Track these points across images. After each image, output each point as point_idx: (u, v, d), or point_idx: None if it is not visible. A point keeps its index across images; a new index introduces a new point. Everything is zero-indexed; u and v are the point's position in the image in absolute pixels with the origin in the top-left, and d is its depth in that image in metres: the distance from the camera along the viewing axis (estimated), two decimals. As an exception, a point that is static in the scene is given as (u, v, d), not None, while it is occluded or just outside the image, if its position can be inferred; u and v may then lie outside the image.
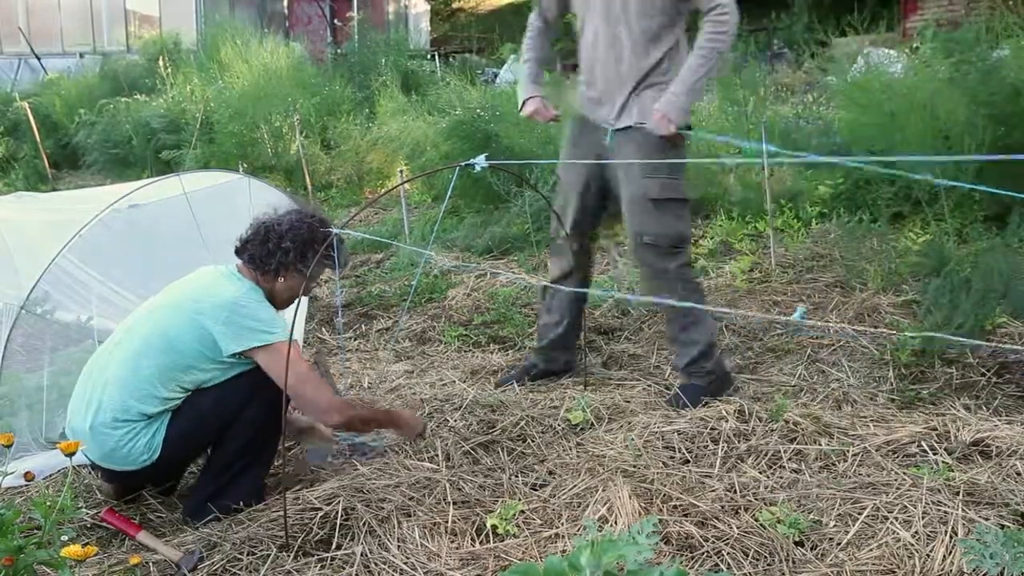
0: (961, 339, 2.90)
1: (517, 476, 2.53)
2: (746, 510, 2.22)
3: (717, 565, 2.02)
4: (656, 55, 2.91)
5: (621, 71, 2.92)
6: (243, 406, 2.46)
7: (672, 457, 2.55)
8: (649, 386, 3.23)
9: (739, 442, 2.59)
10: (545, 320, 3.33)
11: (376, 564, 2.13)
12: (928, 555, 1.98)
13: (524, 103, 3.09)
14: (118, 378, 2.41)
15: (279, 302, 2.60)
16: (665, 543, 2.10)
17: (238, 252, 2.59)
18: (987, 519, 2.07)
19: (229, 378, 2.46)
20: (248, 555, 2.19)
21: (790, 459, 2.49)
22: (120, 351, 2.46)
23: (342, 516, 2.30)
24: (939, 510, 2.12)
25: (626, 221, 2.98)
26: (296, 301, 2.50)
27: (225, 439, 2.48)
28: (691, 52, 2.85)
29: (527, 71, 3.15)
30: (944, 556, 1.97)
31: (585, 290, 3.22)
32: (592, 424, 2.81)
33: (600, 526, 2.18)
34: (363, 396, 3.34)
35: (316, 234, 2.55)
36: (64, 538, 1.71)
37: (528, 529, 2.24)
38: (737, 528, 2.13)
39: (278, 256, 2.52)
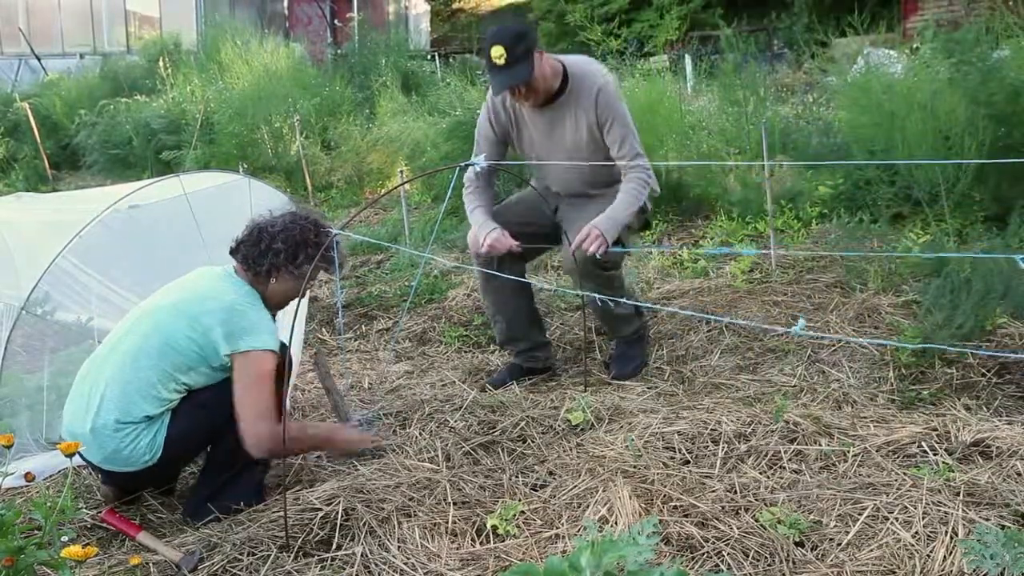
0: (951, 347, 2.90)
1: (517, 476, 2.53)
2: (746, 511, 2.22)
3: (717, 566, 2.01)
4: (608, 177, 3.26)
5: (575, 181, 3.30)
6: None
7: (672, 458, 2.55)
8: (649, 387, 3.23)
9: (739, 443, 2.59)
10: (509, 343, 3.45)
11: (376, 564, 2.13)
12: (928, 555, 1.98)
13: (485, 237, 3.13)
14: (118, 379, 2.40)
15: (273, 304, 2.60)
16: (665, 543, 2.10)
17: (232, 252, 2.60)
18: (987, 519, 2.06)
19: (226, 377, 2.47)
20: (248, 555, 2.19)
21: (790, 459, 2.49)
22: (118, 353, 2.46)
23: (342, 516, 2.30)
24: (939, 510, 2.12)
25: (576, 241, 3.11)
26: (297, 303, 2.49)
27: (224, 438, 2.48)
28: (623, 189, 3.13)
29: (479, 216, 3.21)
30: (944, 557, 1.97)
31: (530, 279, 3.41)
32: (592, 425, 2.81)
33: (600, 526, 2.18)
34: (363, 397, 3.34)
35: (308, 236, 2.55)
36: (64, 539, 1.71)
37: (528, 529, 2.24)
38: (737, 529, 2.13)
39: (269, 257, 2.53)
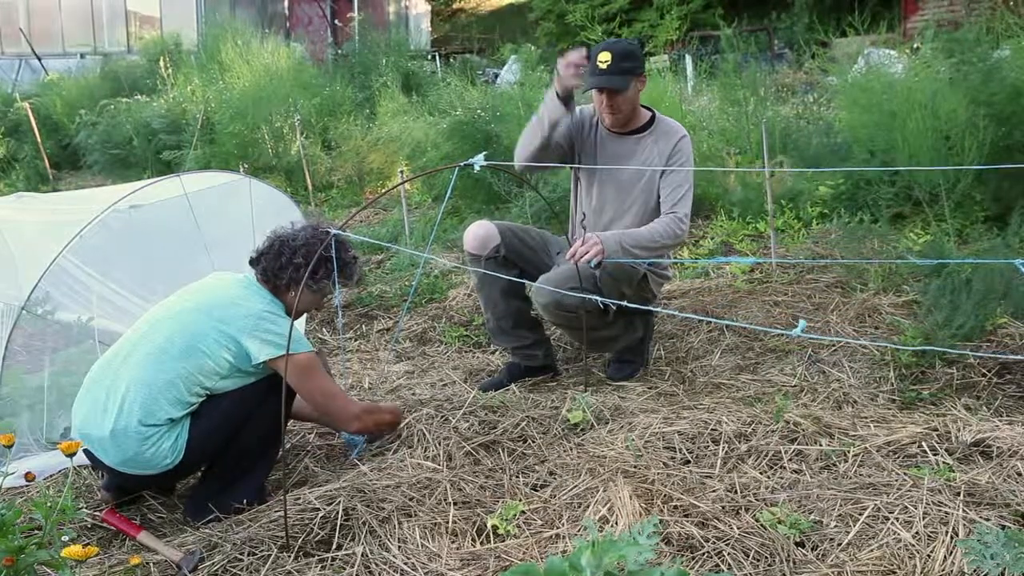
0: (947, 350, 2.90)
1: (518, 476, 2.53)
2: (747, 510, 2.22)
3: (718, 566, 2.01)
4: None
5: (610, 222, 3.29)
6: (257, 408, 2.48)
7: (673, 457, 2.55)
8: (650, 387, 3.23)
9: (740, 442, 2.59)
10: (506, 337, 3.40)
11: (377, 564, 2.13)
12: (929, 556, 1.98)
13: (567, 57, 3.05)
14: (142, 381, 2.40)
15: (291, 314, 2.61)
16: (666, 543, 2.10)
17: (252, 263, 2.62)
18: (988, 519, 2.06)
19: (246, 382, 2.49)
20: (249, 555, 2.19)
21: (791, 459, 2.49)
22: (139, 355, 2.45)
23: (343, 516, 2.30)
24: (940, 511, 2.12)
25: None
26: (295, 305, 2.51)
27: (235, 441, 2.49)
28: (656, 221, 3.16)
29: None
30: (945, 557, 1.97)
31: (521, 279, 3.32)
32: (593, 425, 2.81)
33: (601, 526, 2.18)
34: (364, 397, 3.34)
35: (329, 252, 2.57)
36: (65, 538, 1.71)
37: (529, 529, 2.24)
38: (738, 528, 2.13)
39: (289, 271, 2.57)
